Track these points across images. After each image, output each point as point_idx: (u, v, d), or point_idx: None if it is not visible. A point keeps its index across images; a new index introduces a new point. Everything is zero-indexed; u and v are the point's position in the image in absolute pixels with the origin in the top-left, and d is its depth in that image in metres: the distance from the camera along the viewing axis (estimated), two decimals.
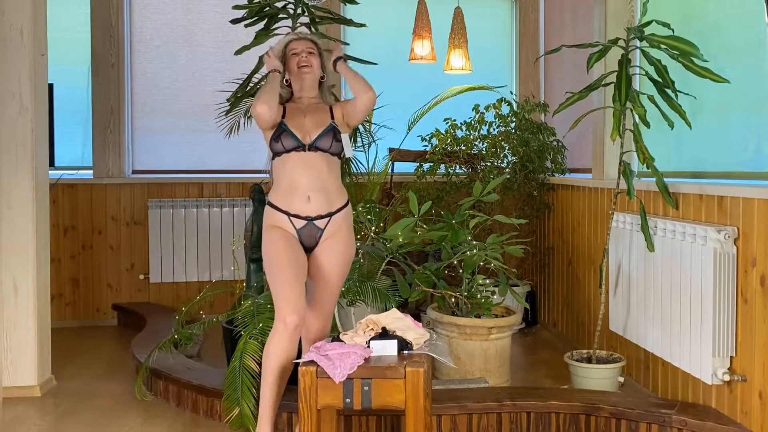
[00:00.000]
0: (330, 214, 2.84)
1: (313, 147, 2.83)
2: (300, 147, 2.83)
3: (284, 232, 2.82)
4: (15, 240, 3.66)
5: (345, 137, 2.89)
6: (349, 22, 3.92)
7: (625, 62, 3.24)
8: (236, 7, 3.73)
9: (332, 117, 2.93)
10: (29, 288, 3.69)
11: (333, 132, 2.87)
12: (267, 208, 2.88)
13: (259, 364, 3.02)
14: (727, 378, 2.82)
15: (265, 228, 2.87)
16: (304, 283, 2.81)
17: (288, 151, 2.83)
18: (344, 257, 2.90)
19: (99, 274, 5.38)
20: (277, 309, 2.74)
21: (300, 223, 2.82)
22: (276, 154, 2.87)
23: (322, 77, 3.00)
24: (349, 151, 2.91)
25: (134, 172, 5.54)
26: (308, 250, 2.87)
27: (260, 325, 3.19)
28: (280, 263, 2.77)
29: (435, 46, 5.03)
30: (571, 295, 4.56)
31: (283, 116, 2.90)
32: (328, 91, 3.05)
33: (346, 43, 4.57)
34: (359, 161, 4.53)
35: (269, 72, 2.95)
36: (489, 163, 4.95)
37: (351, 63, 4.91)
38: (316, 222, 2.83)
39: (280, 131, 2.85)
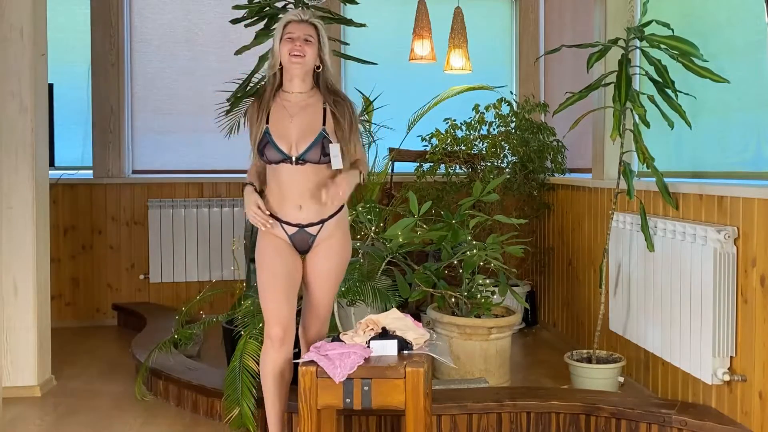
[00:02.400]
0: (322, 221, 2.73)
1: (300, 160, 2.64)
2: (287, 160, 2.64)
3: (276, 241, 2.73)
4: (15, 240, 3.66)
5: (335, 149, 2.64)
6: (349, 22, 3.92)
7: (625, 62, 3.24)
8: (236, 7, 3.73)
9: (324, 121, 2.68)
10: (29, 288, 3.69)
11: (322, 143, 2.64)
12: None
13: (259, 364, 3.02)
14: (727, 378, 2.82)
15: (260, 232, 2.78)
16: (294, 294, 2.76)
17: (276, 163, 2.66)
18: (338, 263, 2.80)
19: (99, 274, 5.38)
20: (265, 322, 2.76)
21: (292, 230, 2.72)
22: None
23: (317, 67, 2.72)
24: (338, 164, 2.65)
25: (134, 172, 5.54)
26: (303, 252, 2.78)
27: (260, 325, 3.18)
28: (269, 277, 2.71)
29: (435, 46, 5.03)
30: (571, 295, 4.56)
31: (268, 119, 2.68)
32: (326, 82, 2.75)
33: (347, 43, 4.57)
34: None
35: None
36: (489, 163, 4.95)
37: (351, 63, 4.94)
38: (307, 229, 2.72)
39: (264, 142, 2.65)
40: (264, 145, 2.65)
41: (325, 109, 2.70)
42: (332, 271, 2.80)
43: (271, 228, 2.70)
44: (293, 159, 2.64)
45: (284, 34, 2.67)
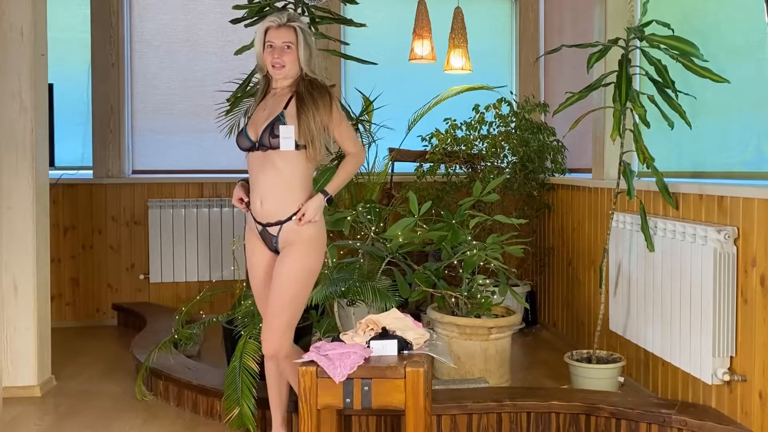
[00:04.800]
0: (279, 223, 2.68)
1: (261, 146, 2.66)
2: (252, 146, 2.69)
3: (254, 239, 2.77)
4: (15, 240, 3.66)
5: (286, 130, 2.61)
6: (349, 22, 3.92)
7: (625, 62, 3.24)
8: (236, 7, 3.73)
9: (286, 106, 2.67)
10: (29, 288, 3.69)
11: (272, 125, 2.63)
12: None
13: (259, 364, 3.04)
14: (727, 378, 2.82)
15: (246, 229, 2.84)
16: None
17: (247, 150, 2.73)
18: (292, 271, 2.64)
19: (99, 274, 5.38)
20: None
21: (258, 227, 2.74)
22: None
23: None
24: (286, 145, 2.60)
25: (134, 172, 5.54)
26: (276, 251, 2.75)
27: (260, 325, 3.18)
28: (251, 279, 2.80)
29: (435, 46, 5.03)
30: (571, 295, 4.56)
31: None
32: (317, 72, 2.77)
33: (347, 43, 4.57)
34: None
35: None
36: (489, 163, 4.95)
37: (351, 63, 4.93)
38: (268, 229, 2.71)
39: (240, 130, 2.79)
40: (239, 133, 2.76)
41: (291, 96, 2.70)
42: (284, 276, 2.63)
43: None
44: (256, 144, 2.68)
45: (265, 42, 2.72)
